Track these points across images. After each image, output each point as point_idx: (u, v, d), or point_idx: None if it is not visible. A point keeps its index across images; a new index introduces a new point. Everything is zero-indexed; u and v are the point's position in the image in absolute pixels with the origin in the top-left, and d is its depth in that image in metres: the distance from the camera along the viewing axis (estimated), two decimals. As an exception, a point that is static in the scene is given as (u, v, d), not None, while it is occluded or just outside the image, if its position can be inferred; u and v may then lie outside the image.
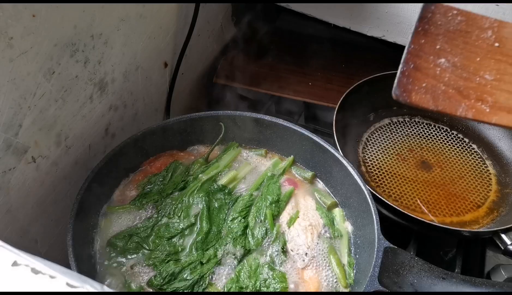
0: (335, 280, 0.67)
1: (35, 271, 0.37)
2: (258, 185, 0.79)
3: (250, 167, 0.82)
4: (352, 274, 0.68)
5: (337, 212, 0.76)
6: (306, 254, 0.70)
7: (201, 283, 0.65)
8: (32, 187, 0.68)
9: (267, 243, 0.71)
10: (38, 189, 0.69)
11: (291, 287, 0.66)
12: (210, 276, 0.66)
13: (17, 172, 0.64)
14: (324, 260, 0.69)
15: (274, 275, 0.66)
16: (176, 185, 0.78)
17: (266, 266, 0.68)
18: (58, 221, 0.75)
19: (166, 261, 0.67)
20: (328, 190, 0.81)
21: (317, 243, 0.71)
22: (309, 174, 0.81)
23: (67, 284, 0.37)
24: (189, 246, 0.70)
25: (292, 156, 0.84)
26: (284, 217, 0.75)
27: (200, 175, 0.79)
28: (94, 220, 0.72)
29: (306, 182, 0.81)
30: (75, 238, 0.63)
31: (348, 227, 0.75)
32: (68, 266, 0.58)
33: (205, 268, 0.67)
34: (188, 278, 0.66)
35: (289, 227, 0.73)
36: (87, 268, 0.65)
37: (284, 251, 0.70)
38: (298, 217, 0.75)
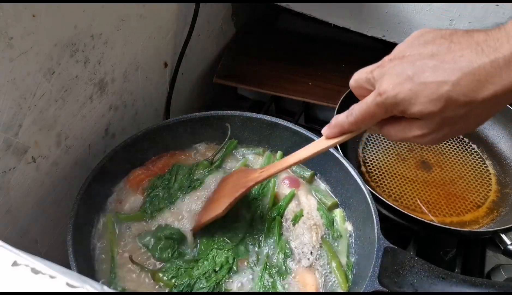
0: (335, 283, 0.67)
1: (35, 271, 0.37)
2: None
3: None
4: (350, 277, 0.68)
5: (338, 213, 0.76)
6: (311, 253, 0.70)
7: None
8: (32, 187, 0.68)
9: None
10: (38, 189, 0.69)
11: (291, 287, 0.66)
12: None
13: (17, 172, 0.64)
14: (324, 261, 0.69)
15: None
16: (182, 189, 0.77)
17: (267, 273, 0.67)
18: (58, 221, 0.75)
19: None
20: (328, 190, 0.81)
21: (321, 243, 0.71)
22: (308, 174, 0.81)
23: (67, 284, 0.37)
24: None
25: (280, 152, 0.84)
26: (289, 215, 0.75)
27: None
28: (94, 220, 0.72)
29: (305, 182, 0.81)
30: (75, 238, 0.63)
31: (348, 227, 0.74)
32: (68, 266, 0.58)
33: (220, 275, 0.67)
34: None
35: (293, 225, 0.73)
36: (87, 268, 0.65)
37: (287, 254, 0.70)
38: (303, 216, 0.75)
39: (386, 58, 0.52)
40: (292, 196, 0.78)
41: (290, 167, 0.69)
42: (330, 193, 0.80)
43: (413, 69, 0.47)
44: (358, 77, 0.55)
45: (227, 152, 0.85)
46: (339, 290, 0.66)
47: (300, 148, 0.82)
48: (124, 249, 0.69)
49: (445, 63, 0.46)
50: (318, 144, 0.63)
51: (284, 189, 0.80)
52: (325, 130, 0.60)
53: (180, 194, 0.77)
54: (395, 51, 0.52)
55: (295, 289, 0.66)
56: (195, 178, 0.80)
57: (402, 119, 0.52)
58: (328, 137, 0.60)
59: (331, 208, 0.77)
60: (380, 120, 0.53)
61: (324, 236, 0.73)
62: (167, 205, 0.75)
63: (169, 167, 0.81)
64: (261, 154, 0.85)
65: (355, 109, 0.54)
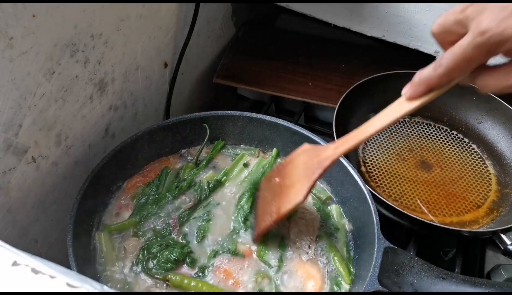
0: (338, 276, 0.68)
1: (35, 271, 0.37)
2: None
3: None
4: (352, 270, 0.68)
5: (334, 208, 0.77)
6: (309, 246, 0.70)
7: None
8: (32, 187, 0.68)
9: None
10: (38, 189, 0.69)
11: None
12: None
13: (17, 172, 0.64)
14: (325, 255, 0.70)
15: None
16: (170, 192, 0.77)
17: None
18: (58, 221, 0.75)
19: None
20: (327, 189, 0.81)
21: (317, 237, 0.72)
22: None
23: (67, 284, 0.37)
24: None
25: (275, 149, 0.84)
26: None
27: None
28: (94, 220, 0.72)
29: None
30: (75, 238, 0.63)
31: (346, 225, 0.75)
32: (68, 266, 0.58)
33: None
34: None
35: (289, 222, 0.74)
36: (87, 268, 0.65)
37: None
38: (297, 211, 0.75)
39: None
40: None
41: (369, 137, 0.60)
42: (327, 190, 0.80)
43: None
44: (445, 21, 0.47)
45: (214, 152, 0.85)
46: (343, 282, 0.67)
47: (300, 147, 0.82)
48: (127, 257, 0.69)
49: None
50: (400, 108, 0.53)
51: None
52: (407, 91, 0.52)
53: (168, 195, 0.76)
54: None
55: (299, 282, 0.66)
56: (182, 179, 0.80)
57: (501, 65, 0.46)
58: (411, 98, 0.52)
59: (325, 202, 0.78)
60: (475, 69, 0.46)
61: (322, 228, 0.74)
62: (155, 210, 0.74)
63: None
64: (255, 155, 0.86)
65: (446, 58, 0.47)
